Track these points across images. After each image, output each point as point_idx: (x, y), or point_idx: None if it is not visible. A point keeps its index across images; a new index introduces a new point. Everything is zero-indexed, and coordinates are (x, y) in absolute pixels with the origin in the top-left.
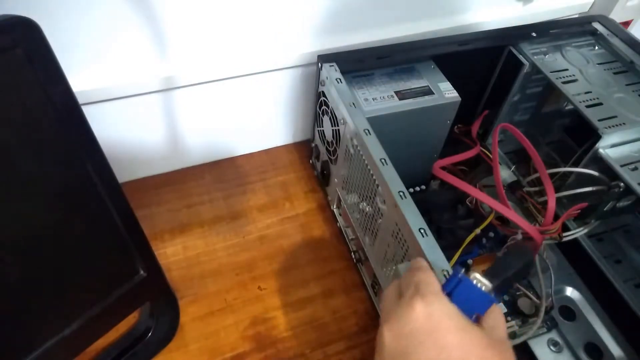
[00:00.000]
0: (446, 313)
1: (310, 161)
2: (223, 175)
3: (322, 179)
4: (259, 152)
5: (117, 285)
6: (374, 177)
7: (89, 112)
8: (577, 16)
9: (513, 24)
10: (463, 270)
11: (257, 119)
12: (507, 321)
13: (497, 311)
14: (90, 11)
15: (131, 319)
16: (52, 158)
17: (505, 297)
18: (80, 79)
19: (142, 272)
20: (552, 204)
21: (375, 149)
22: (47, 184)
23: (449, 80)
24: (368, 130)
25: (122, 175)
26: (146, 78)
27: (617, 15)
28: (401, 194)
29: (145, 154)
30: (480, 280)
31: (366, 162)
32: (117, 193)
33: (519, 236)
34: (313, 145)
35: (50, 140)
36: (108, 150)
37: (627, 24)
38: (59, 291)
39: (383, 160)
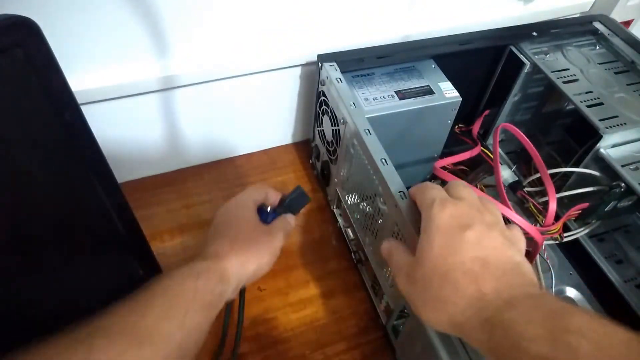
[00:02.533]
0: None
1: (310, 161)
2: (223, 175)
3: (322, 179)
4: (258, 152)
5: (117, 286)
6: (374, 177)
7: (89, 112)
8: (578, 15)
9: (514, 23)
10: None
11: (257, 119)
12: None
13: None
14: (90, 11)
15: None
16: (51, 158)
17: None
18: (80, 78)
19: (141, 272)
20: (552, 205)
21: (376, 149)
22: (46, 184)
23: (450, 79)
24: (368, 130)
25: (122, 175)
26: (146, 78)
27: (618, 15)
28: (401, 194)
29: (145, 154)
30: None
31: (366, 162)
32: (117, 193)
33: None
34: (313, 145)
35: (49, 140)
36: (108, 150)
37: (627, 23)
38: (57, 292)
39: (383, 160)
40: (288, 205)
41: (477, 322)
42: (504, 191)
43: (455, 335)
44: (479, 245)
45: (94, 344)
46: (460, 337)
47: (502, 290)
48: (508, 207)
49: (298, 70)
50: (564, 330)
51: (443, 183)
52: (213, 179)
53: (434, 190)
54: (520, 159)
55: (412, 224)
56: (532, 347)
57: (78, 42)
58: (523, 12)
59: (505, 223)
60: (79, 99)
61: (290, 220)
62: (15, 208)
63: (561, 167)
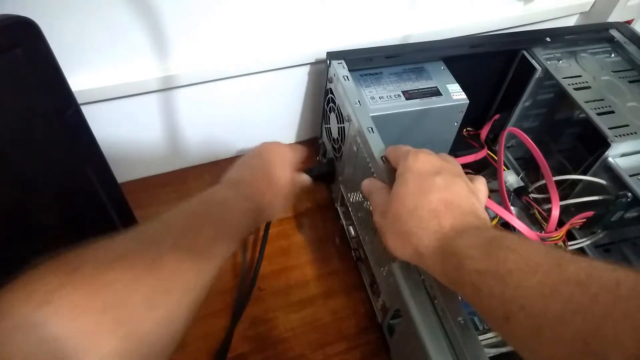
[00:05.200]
0: None
1: (317, 158)
2: (223, 175)
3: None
4: None
5: None
6: (375, 175)
7: (89, 112)
8: (594, 23)
9: (514, 23)
10: None
11: (259, 119)
12: None
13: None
14: (90, 11)
15: None
16: (51, 158)
17: None
18: (80, 78)
19: None
20: (555, 211)
21: (377, 147)
22: (46, 184)
23: (460, 82)
24: (371, 129)
25: (122, 175)
26: (146, 78)
27: (618, 15)
28: None
29: (145, 154)
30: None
31: (368, 160)
32: (116, 193)
33: None
34: (320, 142)
35: (49, 140)
36: (108, 150)
37: (627, 23)
38: None
39: (384, 159)
40: (318, 173)
41: (432, 251)
42: (506, 195)
43: (416, 264)
44: (446, 189)
45: (162, 250)
46: (419, 265)
47: (457, 225)
48: (509, 211)
49: (305, 68)
50: (497, 248)
51: None
52: (213, 179)
53: (408, 146)
54: (529, 165)
55: None
56: (471, 264)
57: (78, 42)
58: (523, 12)
59: (509, 229)
60: (79, 99)
61: (307, 180)
62: (15, 207)
63: (571, 175)
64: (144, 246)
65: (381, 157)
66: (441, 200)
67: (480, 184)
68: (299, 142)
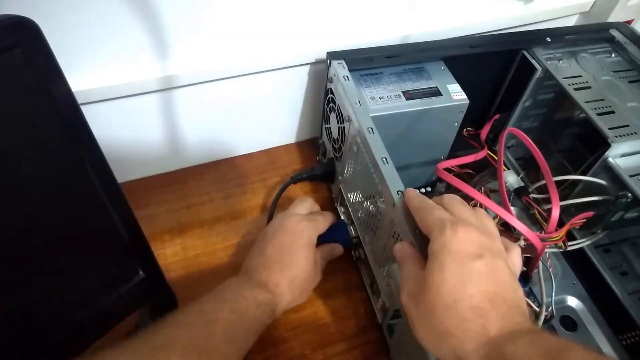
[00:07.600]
0: None
1: (317, 158)
2: (223, 175)
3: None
4: (259, 152)
5: (116, 286)
6: (374, 175)
7: (89, 112)
8: (594, 23)
9: (514, 23)
10: None
11: (259, 119)
12: None
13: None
14: (90, 11)
15: (130, 321)
16: (51, 158)
17: None
18: (80, 78)
19: (141, 273)
20: (555, 212)
21: (377, 148)
22: (46, 184)
23: (460, 82)
24: (371, 129)
25: (122, 175)
26: (146, 78)
27: (618, 15)
28: (400, 193)
29: (145, 154)
30: None
31: (368, 160)
32: (116, 193)
33: (522, 243)
34: (320, 142)
35: (49, 140)
36: (108, 150)
37: (627, 23)
38: (57, 292)
39: (384, 159)
40: (318, 173)
41: (477, 357)
42: (506, 195)
43: None
44: (489, 277)
45: (171, 357)
46: None
47: (505, 327)
48: (509, 211)
49: (305, 68)
50: None
51: (450, 186)
52: (213, 179)
53: (439, 211)
54: (529, 165)
55: (408, 223)
56: None
57: (78, 42)
58: (523, 12)
59: (509, 230)
60: (79, 99)
61: (339, 248)
62: (14, 208)
63: (571, 175)
64: (157, 350)
65: (398, 191)
66: (485, 293)
67: (516, 256)
68: (297, 143)
